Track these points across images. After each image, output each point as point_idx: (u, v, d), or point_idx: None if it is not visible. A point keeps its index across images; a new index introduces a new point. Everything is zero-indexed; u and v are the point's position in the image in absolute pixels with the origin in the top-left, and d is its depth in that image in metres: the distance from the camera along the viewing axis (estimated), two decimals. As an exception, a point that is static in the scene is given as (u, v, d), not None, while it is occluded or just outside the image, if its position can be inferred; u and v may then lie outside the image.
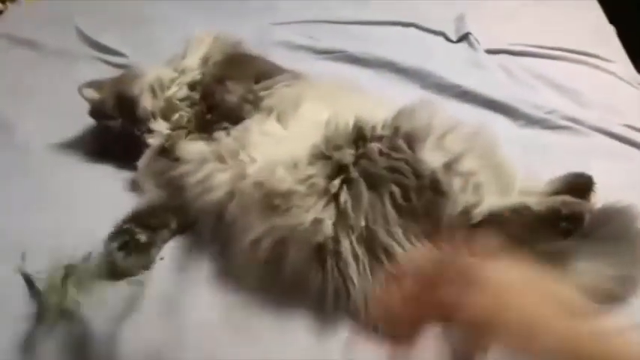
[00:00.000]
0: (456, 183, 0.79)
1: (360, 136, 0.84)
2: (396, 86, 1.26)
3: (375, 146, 0.82)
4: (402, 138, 0.82)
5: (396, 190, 0.79)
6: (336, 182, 0.81)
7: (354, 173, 0.81)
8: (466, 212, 0.79)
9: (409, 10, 1.52)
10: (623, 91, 1.29)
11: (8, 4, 1.67)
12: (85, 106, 1.23)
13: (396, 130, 0.84)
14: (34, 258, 0.90)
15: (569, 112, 1.18)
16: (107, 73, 1.33)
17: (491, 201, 0.80)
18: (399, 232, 0.78)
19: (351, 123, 0.86)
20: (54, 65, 1.38)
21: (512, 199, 0.82)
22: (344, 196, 0.80)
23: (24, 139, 1.16)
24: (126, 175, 1.06)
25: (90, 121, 1.17)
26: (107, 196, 1.02)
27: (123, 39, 1.43)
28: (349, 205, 0.79)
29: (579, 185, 0.88)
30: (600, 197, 0.88)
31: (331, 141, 0.85)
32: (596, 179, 0.90)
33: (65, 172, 1.10)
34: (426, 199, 0.79)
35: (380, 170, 0.80)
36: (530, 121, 1.17)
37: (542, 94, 1.24)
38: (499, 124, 1.16)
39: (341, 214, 0.79)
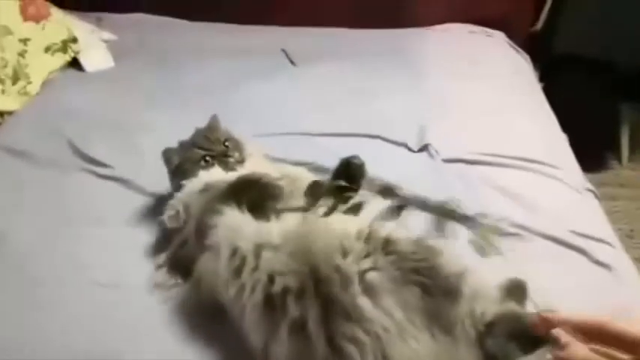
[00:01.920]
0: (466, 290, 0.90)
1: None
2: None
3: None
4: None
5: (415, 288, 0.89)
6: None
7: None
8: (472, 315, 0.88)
9: (377, 122, 1.65)
10: (568, 197, 1.40)
11: (6, 116, 1.80)
12: (74, 216, 1.35)
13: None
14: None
15: (518, 219, 1.29)
16: (95, 184, 1.46)
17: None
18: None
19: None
20: (45, 176, 1.48)
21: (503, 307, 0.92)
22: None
23: (15, 249, 1.26)
24: (107, 280, 1.16)
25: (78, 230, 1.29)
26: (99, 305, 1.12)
27: (111, 150, 1.54)
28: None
29: (516, 291, 0.99)
30: (545, 299, 0.98)
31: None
32: (541, 282, 1.02)
33: (57, 277, 1.18)
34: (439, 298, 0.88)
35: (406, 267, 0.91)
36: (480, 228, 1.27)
37: (493, 201, 1.35)
38: (450, 229, 1.26)
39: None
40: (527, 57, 2.26)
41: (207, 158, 1.23)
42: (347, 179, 1.15)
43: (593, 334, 0.60)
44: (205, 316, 1.04)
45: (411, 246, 0.95)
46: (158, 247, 1.22)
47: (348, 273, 0.90)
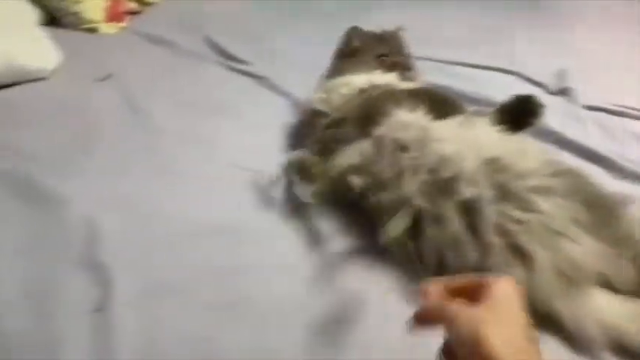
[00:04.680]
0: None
1: None
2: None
3: None
4: None
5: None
6: None
7: None
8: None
9: (513, 59, 1.61)
10: None
11: (146, 7, 1.85)
12: (208, 104, 1.38)
13: None
14: (158, 220, 1.03)
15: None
16: (230, 77, 1.49)
17: None
18: None
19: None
20: (184, 64, 1.54)
21: None
22: None
23: (159, 124, 1.30)
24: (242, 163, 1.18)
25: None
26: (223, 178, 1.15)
27: (247, 49, 1.57)
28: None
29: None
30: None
31: None
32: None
33: (194, 153, 1.22)
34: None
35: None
36: (624, 173, 1.20)
37: (637, 154, 1.28)
38: (592, 172, 1.21)
39: None
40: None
41: (385, 58, 1.25)
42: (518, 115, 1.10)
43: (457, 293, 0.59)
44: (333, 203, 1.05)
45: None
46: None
47: (528, 169, 0.89)
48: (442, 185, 0.89)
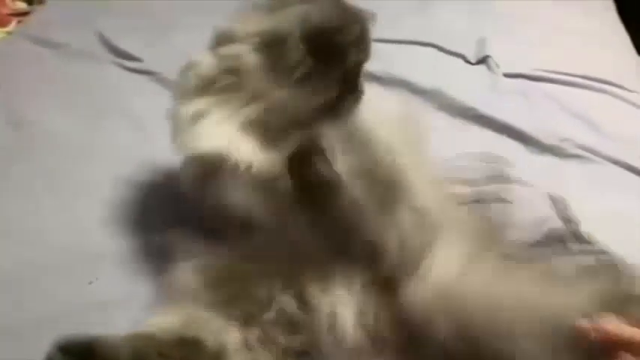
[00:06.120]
0: None
1: None
2: (412, 107, 1.23)
3: None
4: None
5: None
6: None
7: None
8: None
9: (430, 29, 1.51)
10: (643, 122, 1.24)
11: (36, 6, 1.71)
12: (102, 107, 1.28)
13: None
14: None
15: (585, 141, 1.14)
16: (122, 76, 1.37)
17: None
18: None
19: None
20: (73, 66, 1.40)
21: None
22: None
23: (46, 135, 1.19)
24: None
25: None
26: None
27: (142, 45, 1.44)
28: None
29: None
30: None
31: None
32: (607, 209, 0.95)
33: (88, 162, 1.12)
34: None
35: None
36: (543, 147, 1.14)
37: (558, 121, 1.20)
38: (511, 149, 1.14)
39: None
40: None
41: None
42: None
43: None
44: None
45: None
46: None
47: None
48: None
